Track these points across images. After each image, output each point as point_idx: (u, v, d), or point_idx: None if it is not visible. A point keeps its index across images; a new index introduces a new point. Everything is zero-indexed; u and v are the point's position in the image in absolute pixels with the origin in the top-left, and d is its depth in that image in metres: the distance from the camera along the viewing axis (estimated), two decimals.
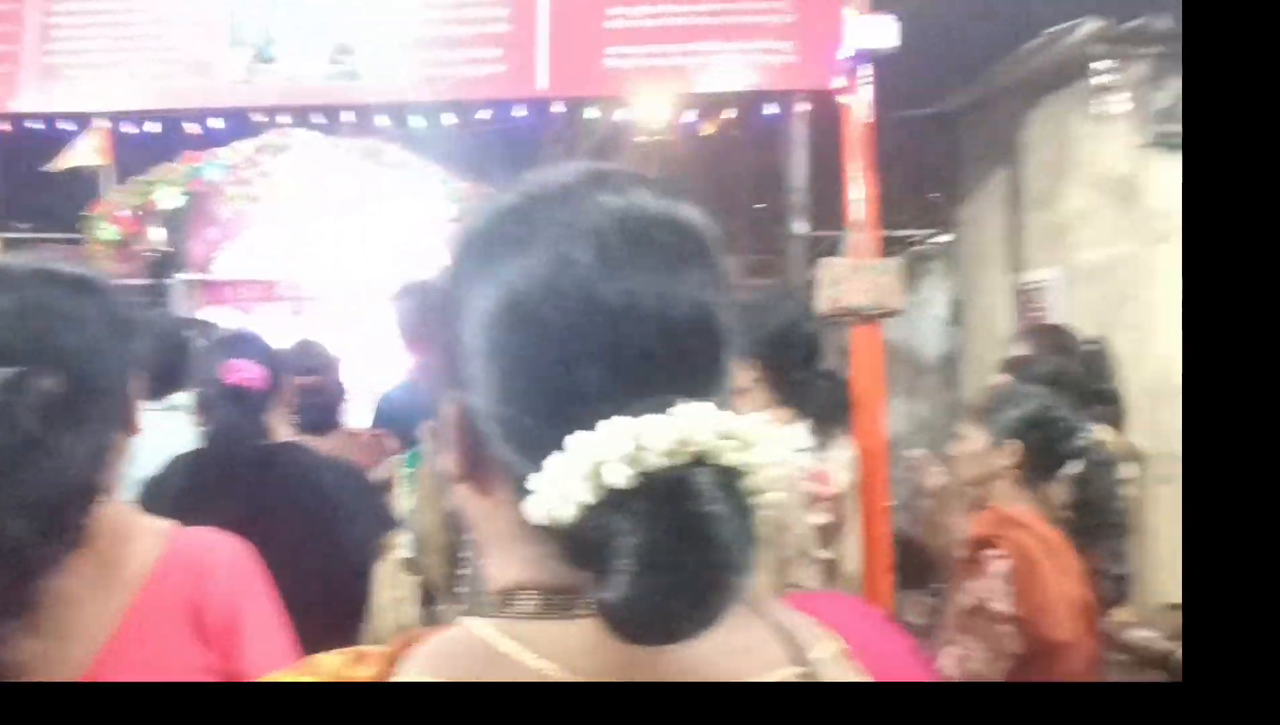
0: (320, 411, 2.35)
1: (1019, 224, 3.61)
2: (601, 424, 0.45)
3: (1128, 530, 2.25)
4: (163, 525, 0.92)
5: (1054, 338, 2.63)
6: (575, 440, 0.45)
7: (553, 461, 0.46)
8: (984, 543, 1.67)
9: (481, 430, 0.51)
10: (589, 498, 0.44)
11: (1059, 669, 1.62)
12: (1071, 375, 2.35)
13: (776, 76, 2.74)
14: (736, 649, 0.52)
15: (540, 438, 0.46)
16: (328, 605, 1.39)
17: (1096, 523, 1.82)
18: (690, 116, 3.12)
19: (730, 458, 0.46)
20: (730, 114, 3.06)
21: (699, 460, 0.45)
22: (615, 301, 0.47)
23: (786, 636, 0.54)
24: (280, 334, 2.54)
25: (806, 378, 1.90)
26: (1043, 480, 1.77)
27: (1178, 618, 1.89)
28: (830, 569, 1.90)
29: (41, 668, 0.78)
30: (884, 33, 2.45)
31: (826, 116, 2.62)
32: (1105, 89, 3.04)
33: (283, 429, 1.86)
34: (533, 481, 0.47)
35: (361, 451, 2.39)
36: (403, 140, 3.38)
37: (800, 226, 3.58)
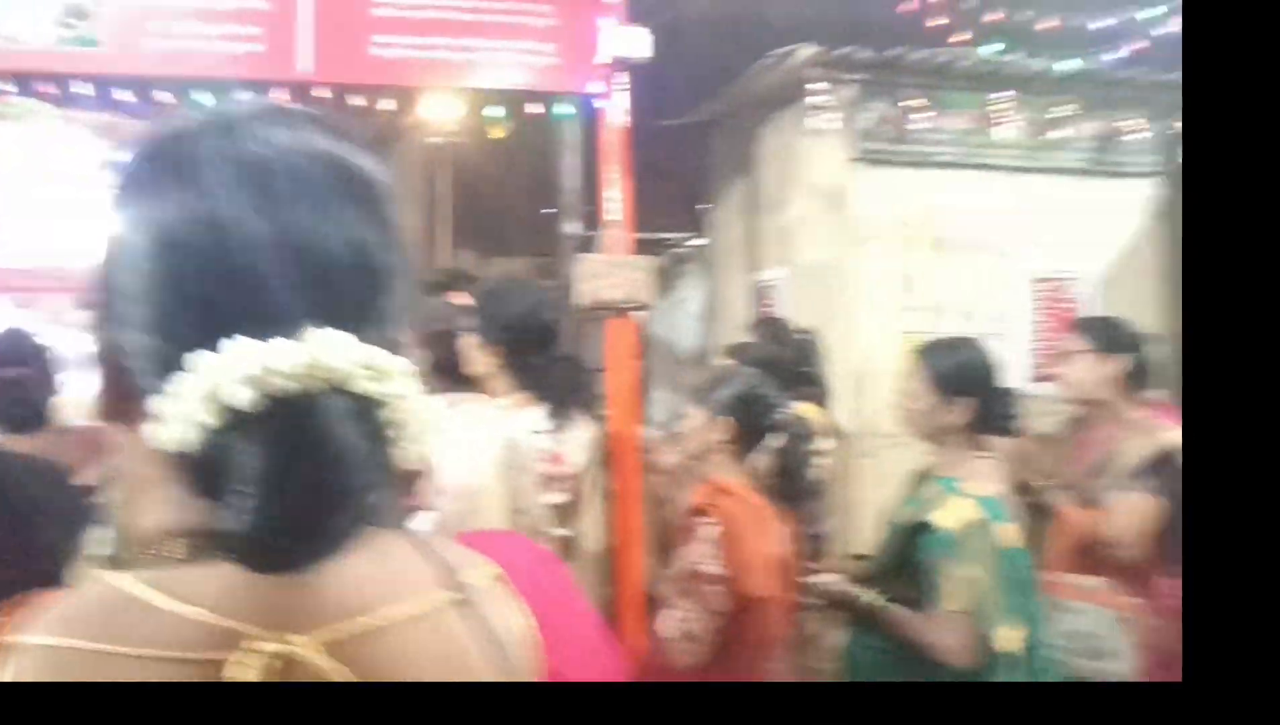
0: (24, 407, 2.19)
1: (755, 227, 3.98)
2: (226, 344, 0.45)
3: (822, 496, 2.60)
4: None
5: (772, 328, 2.98)
6: (198, 361, 0.45)
7: (176, 383, 0.45)
8: (698, 511, 1.83)
9: (128, 366, 0.49)
10: (210, 419, 0.44)
11: (760, 621, 1.80)
12: (781, 360, 2.65)
13: (539, 78, 2.84)
14: (385, 574, 0.51)
15: (180, 367, 0.45)
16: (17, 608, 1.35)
17: (794, 489, 2.04)
18: (458, 112, 3.19)
19: (364, 386, 0.46)
20: (496, 111, 3.17)
21: (332, 387, 0.45)
22: (266, 234, 0.47)
23: (439, 562, 0.54)
24: None
25: (544, 363, 2.02)
26: (750, 452, 1.96)
27: (860, 565, 2.20)
28: (568, 546, 2.01)
29: None
30: (638, 43, 2.62)
31: (593, 121, 2.78)
32: (819, 108, 3.42)
33: None
34: (155, 405, 0.45)
35: (77, 449, 2.24)
36: (147, 117, 3.18)
37: (572, 226, 3.76)
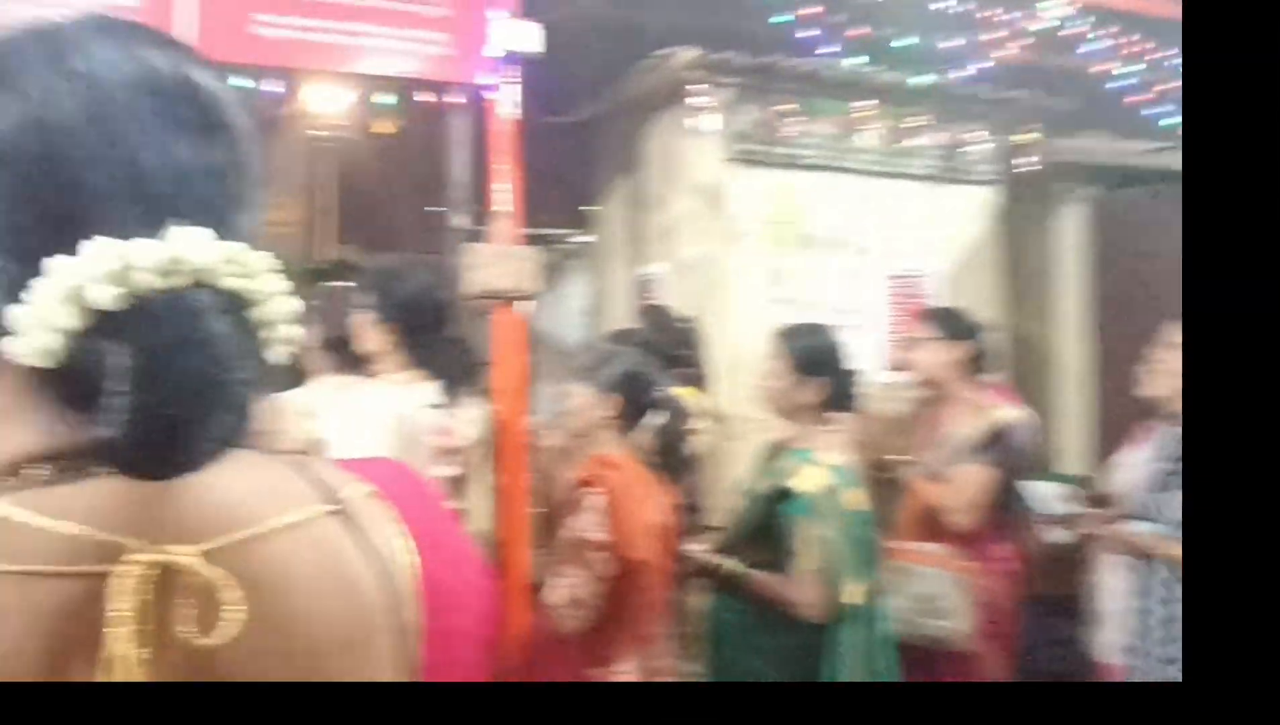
0: None
1: (639, 224, 4.09)
2: (85, 245, 0.43)
3: (698, 472, 2.69)
4: None
5: (656, 315, 3.14)
6: (56, 263, 0.43)
7: (33, 289, 0.43)
8: (584, 483, 1.91)
9: None
10: (73, 322, 0.43)
11: (641, 585, 1.88)
12: (661, 343, 2.79)
13: (430, 67, 2.83)
14: (262, 487, 0.52)
15: (28, 285, 0.44)
16: None
17: (673, 464, 2.14)
18: (345, 100, 3.16)
19: (231, 282, 0.45)
20: (385, 99, 3.17)
21: (198, 283, 0.44)
22: (115, 150, 0.46)
23: (315, 479, 0.54)
24: None
25: (437, 341, 2.08)
26: (633, 428, 2.06)
27: (719, 535, 2.29)
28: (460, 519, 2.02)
29: None
30: (528, 38, 2.58)
31: (483, 114, 2.79)
32: (698, 110, 3.55)
33: None
34: (10, 316, 0.44)
35: None
36: None
37: (459, 220, 3.78)
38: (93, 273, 0.43)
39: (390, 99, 3.13)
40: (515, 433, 2.35)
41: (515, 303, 2.50)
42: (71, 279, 0.43)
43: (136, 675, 0.44)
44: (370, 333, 2.08)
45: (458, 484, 2.08)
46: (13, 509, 0.45)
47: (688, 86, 3.58)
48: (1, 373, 0.46)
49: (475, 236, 3.01)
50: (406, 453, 1.92)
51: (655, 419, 2.11)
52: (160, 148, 0.47)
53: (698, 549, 2.17)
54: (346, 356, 2.13)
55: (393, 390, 2.02)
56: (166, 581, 0.45)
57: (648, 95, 3.90)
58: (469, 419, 2.14)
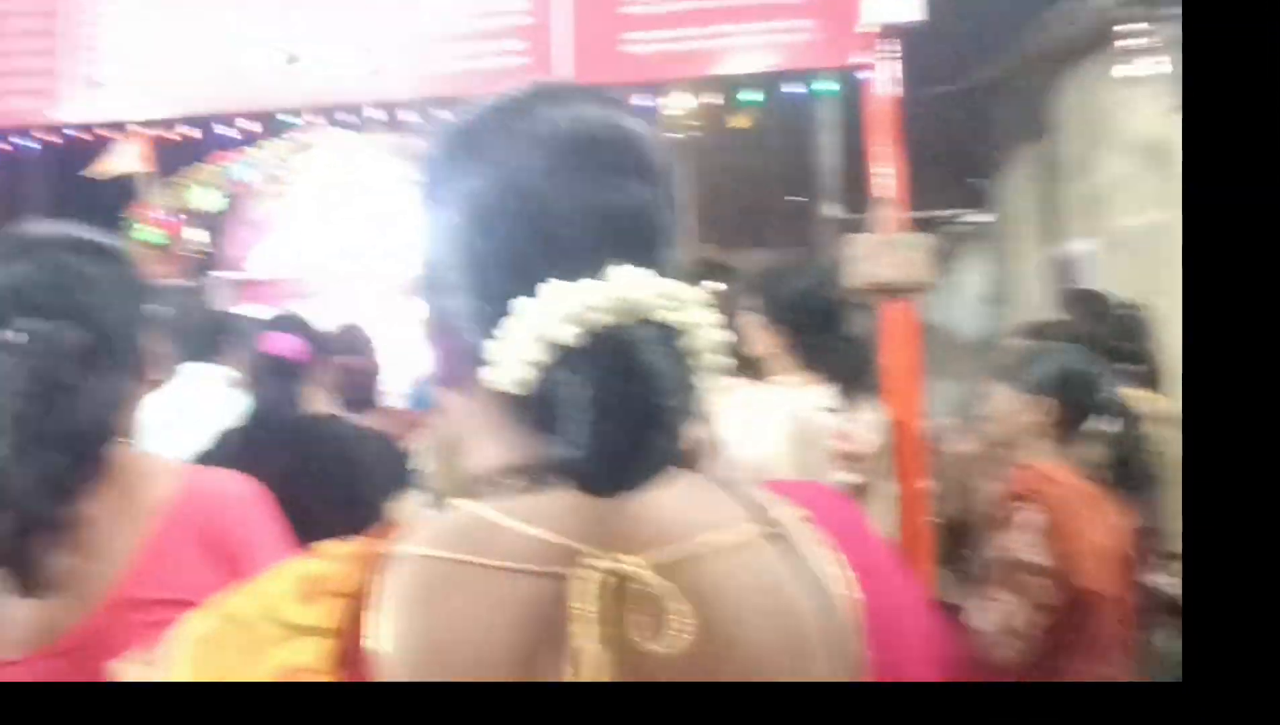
0: (361, 391, 2.51)
1: (1053, 196, 3.59)
2: (544, 289, 0.50)
3: (1155, 486, 2.25)
4: (178, 465, 1.07)
5: (1089, 302, 2.67)
6: (524, 305, 0.50)
7: (506, 328, 0.50)
8: (1018, 498, 1.71)
9: (459, 329, 0.55)
10: (542, 357, 0.49)
11: (1092, 619, 1.65)
12: (1100, 336, 2.38)
13: (797, 56, 2.71)
14: (699, 505, 0.56)
15: (499, 322, 0.51)
16: None
17: (1130, 479, 1.85)
18: (716, 100, 3.13)
19: (666, 316, 0.50)
20: (754, 96, 3.07)
21: (639, 318, 0.50)
22: (565, 200, 0.53)
23: (747, 500, 0.58)
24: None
25: (829, 343, 1.97)
26: (1072, 436, 1.80)
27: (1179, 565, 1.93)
28: None
29: (72, 582, 0.91)
30: (907, 6, 2.41)
31: (858, 96, 2.60)
32: (1133, 52, 3.01)
33: (325, 403, 2.01)
34: (489, 350, 0.51)
35: (397, 429, 2.51)
36: (429, 135, 3.46)
37: (832, 210, 3.56)
38: (555, 312, 0.49)
39: (756, 95, 3.01)
40: (910, 437, 2.21)
41: (907, 295, 2.32)
42: (538, 320, 0.49)
43: (604, 670, 0.49)
44: (759, 335, 2.01)
45: (858, 493, 1.95)
46: (492, 512, 0.52)
47: (1117, 28, 3.02)
48: (483, 397, 0.54)
49: (852, 226, 2.75)
50: (804, 458, 1.84)
51: (1102, 426, 1.83)
52: (600, 194, 0.54)
53: (1165, 582, 1.89)
54: (734, 358, 2.06)
55: (786, 393, 1.94)
56: (620, 587, 0.50)
57: (1060, 46, 3.43)
58: (870, 424, 1.98)
